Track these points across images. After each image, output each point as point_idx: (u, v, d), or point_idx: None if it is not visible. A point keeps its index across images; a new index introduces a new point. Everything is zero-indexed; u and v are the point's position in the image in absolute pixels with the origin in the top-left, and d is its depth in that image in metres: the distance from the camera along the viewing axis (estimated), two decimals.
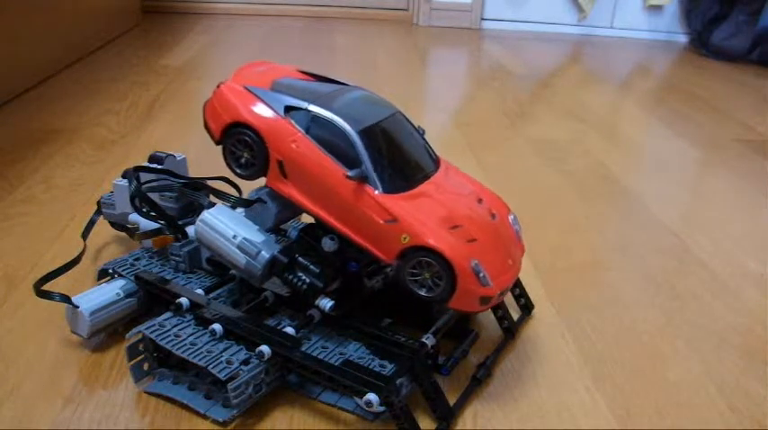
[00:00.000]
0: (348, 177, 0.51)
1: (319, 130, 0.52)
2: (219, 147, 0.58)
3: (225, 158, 0.57)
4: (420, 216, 0.50)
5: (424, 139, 0.58)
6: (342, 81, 0.59)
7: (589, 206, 0.94)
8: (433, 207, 0.52)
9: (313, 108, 0.53)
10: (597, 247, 0.82)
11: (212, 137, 0.58)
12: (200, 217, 0.56)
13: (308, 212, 0.54)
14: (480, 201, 0.56)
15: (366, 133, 0.52)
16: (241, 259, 0.54)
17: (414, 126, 0.59)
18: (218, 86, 0.57)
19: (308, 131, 0.53)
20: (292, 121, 0.53)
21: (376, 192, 0.51)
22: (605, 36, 2.32)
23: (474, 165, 1.06)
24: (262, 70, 0.60)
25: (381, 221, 0.51)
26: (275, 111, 0.54)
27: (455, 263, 0.49)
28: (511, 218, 0.58)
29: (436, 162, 0.58)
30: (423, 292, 0.51)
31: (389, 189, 0.51)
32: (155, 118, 1.20)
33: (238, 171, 0.57)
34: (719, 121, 1.39)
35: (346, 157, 0.52)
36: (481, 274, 0.50)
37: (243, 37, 1.95)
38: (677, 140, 1.26)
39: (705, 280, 0.76)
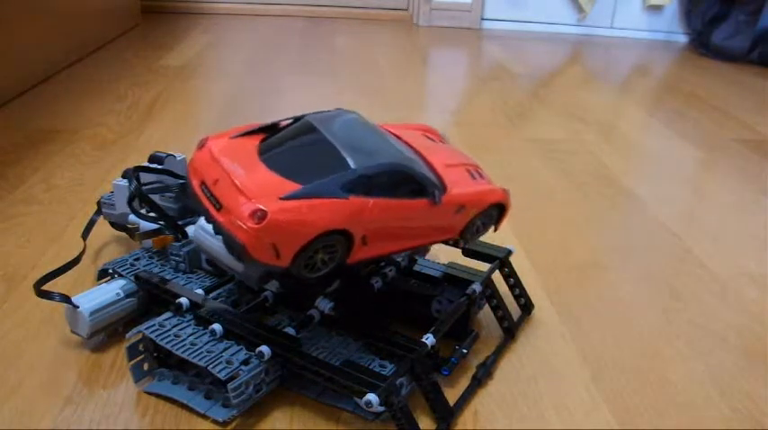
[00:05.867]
0: (435, 204, 0.52)
1: (379, 184, 0.49)
2: None
3: (298, 276, 0.48)
4: (469, 188, 0.54)
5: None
6: (274, 122, 0.54)
7: (589, 206, 0.94)
8: (459, 173, 0.56)
9: (360, 169, 0.48)
10: (597, 247, 0.82)
11: (275, 266, 0.46)
12: (198, 222, 0.56)
13: (383, 256, 0.52)
14: (432, 140, 0.61)
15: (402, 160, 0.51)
16: (238, 264, 0.54)
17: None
18: (256, 221, 0.44)
19: (373, 193, 0.48)
20: (357, 195, 0.47)
21: (444, 197, 0.52)
22: (605, 36, 2.32)
23: None
24: (241, 172, 0.48)
25: (453, 214, 0.54)
26: (338, 197, 0.47)
27: (506, 202, 0.57)
28: (441, 133, 0.64)
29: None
30: (480, 233, 0.58)
31: (446, 186, 0.54)
32: (155, 118, 1.20)
33: (317, 275, 0.49)
34: (719, 121, 1.39)
35: (407, 188, 0.50)
36: (508, 194, 0.58)
37: (243, 37, 1.95)
38: (677, 140, 1.26)
39: (705, 280, 0.76)
